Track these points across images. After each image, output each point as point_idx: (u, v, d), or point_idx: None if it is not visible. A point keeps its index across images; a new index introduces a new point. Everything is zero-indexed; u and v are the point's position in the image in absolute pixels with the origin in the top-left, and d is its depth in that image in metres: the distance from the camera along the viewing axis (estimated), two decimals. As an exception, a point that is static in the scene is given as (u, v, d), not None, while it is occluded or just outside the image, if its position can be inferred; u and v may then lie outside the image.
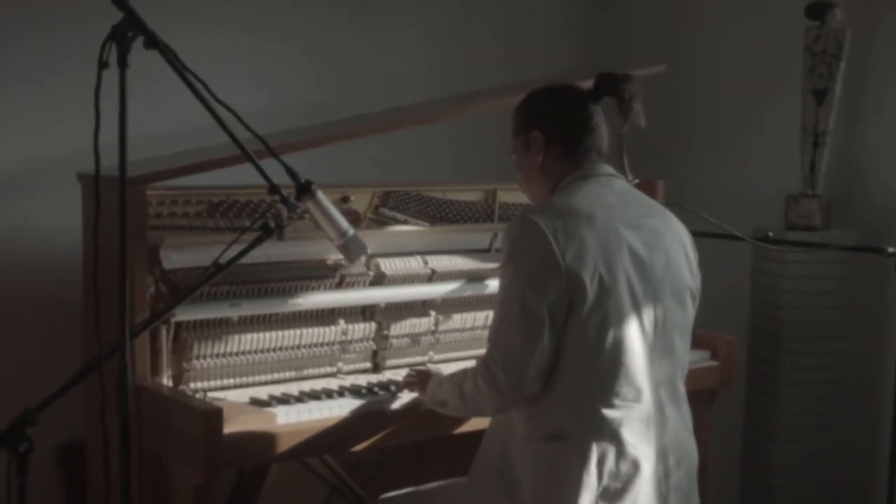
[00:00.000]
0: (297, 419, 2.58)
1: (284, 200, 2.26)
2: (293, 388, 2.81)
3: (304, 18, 4.04)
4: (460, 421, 2.73)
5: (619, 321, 2.26)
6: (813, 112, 4.02)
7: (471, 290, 3.23)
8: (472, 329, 3.25)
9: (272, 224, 2.21)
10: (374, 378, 2.96)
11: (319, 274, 2.94)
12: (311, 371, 2.97)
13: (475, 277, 3.23)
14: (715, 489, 3.73)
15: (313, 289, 2.92)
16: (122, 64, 1.99)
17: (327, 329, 2.97)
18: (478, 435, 2.56)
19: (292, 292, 2.89)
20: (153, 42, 2.03)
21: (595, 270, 2.23)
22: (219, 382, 2.81)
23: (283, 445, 2.53)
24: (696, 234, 2.73)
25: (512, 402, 2.31)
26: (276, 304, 2.87)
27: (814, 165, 4.04)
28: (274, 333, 2.87)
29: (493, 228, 3.33)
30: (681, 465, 2.41)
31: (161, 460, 2.61)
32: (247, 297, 2.82)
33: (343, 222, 2.55)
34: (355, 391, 2.79)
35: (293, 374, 2.93)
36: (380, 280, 3.06)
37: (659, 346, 2.35)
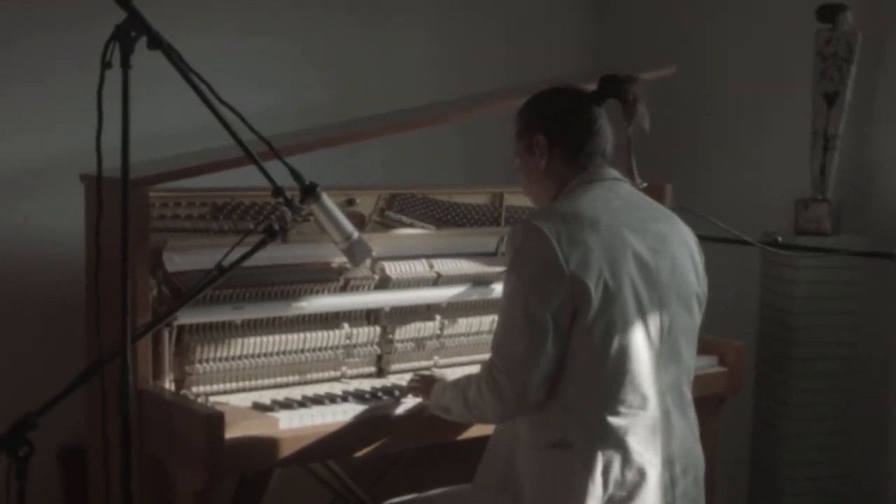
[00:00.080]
0: (299, 424, 2.56)
1: (288, 203, 2.24)
2: (296, 393, 2.79)
3: (308, 19, 4.03)
4: (464, 427, 2.71)
5: (625, 327, 2.23)
6: (823, 116, 4.00)
7: (477, 294, 3.20)
8: (477, 333, 3.23)
9: (276, 227, 2.20)
10: (378, 383, 2.94)
11: (324, 277, 2.92)
12: (314, 375, 2.94)
13: (481, 281, 3.20)
14: (723, 496, 3.71)
15: (317, 292, 2.90)
16: (125, 64, 1.97)
17: (331, 333, 2.95)
18: (482, 441, 2.53)
19: (296, 296, 2.86)
20: (157, 42, 2.03)
21: (600, 276, 2.21)
22: (221, 386, 2.79)
23: (286, 451, 2.51)
24: (705, 239, 2.71)
25: (516, 410, 2.29)
26: (280, 307, 2.84)
27: (824, 169, 4.01)
28: (277, 337, 2.85)
29: (500, 232, 3.30)
30: (687, 473, 2.38)
31: (162, 465, 2.59)
32: (250, 301, 2.80)
33: (348, 225, 2.53)
34: (359, 396, 2.77)
35: (297, 378, 2.91)
36: (385, 283, 3.04)
37: (665, 352, 2.32)
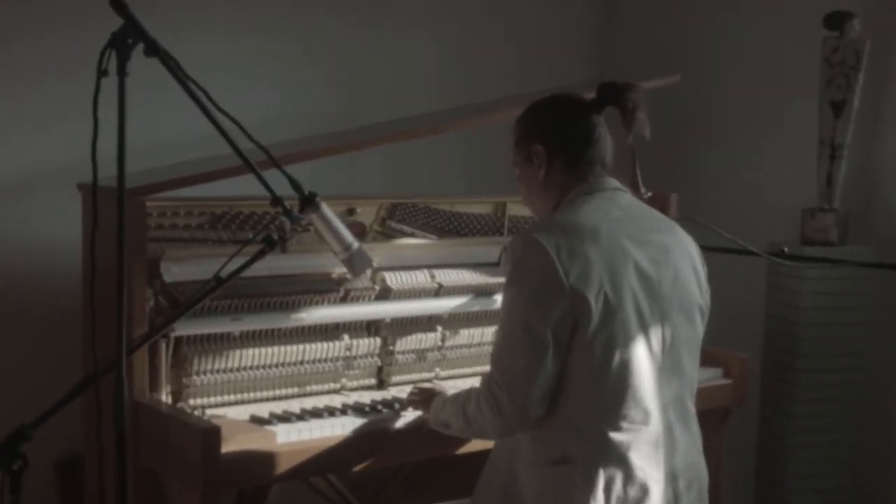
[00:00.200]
0: (297, 438, 2.53)
1: (287, 213, 2.21)
2: (295, 406, 2.76)
3: (308, 20, 4.01)
4: (465, 441, 2.68)
5: (626, 341, 2.20)
6: (830, 124, 3.97)
7: (479, 305, 3.17)
8: (479, 345, 3.19)
9: (275, 237, 2.17)
10: (377, 395, 2.91)
11: (324, 288, 2.89)
12: (314, 387, 2.91)
13: (483, 292, 3.17)
14: (727, 509, 3.67)
15: (317, 303, 2.87)
16: (122, 72, 1.95)
17: (331, 344, 2.91)
18: (483, 455, 2.51)
19: (295, 306, 2.83)
20: (154, 50, 2.00)
21: (600, 289, 2.17)
22: (219, 399, 2.75)
23: (283, 465, 2.48)
24: (710, 249, 2.68)
25: (516, 426, 2.26)
26: (279, 318, 2.81)
27: (831, 179, 3.98)
28: (276, 349, 2.82)
29: (503, 242, 3.27)
30: (691, 488, 2.35)
31: (158, 479, 2.57)
32: (249, 312, 2.76)
33: (347, 235, 2.50)
34: (358, 409, 2.74)
35: (296, 390, 2.88)
36: (385, 294, 3.00)
37: (667, 365, 2.29)
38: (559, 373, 2.20)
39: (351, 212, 3.11)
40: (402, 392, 2.86)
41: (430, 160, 4.15)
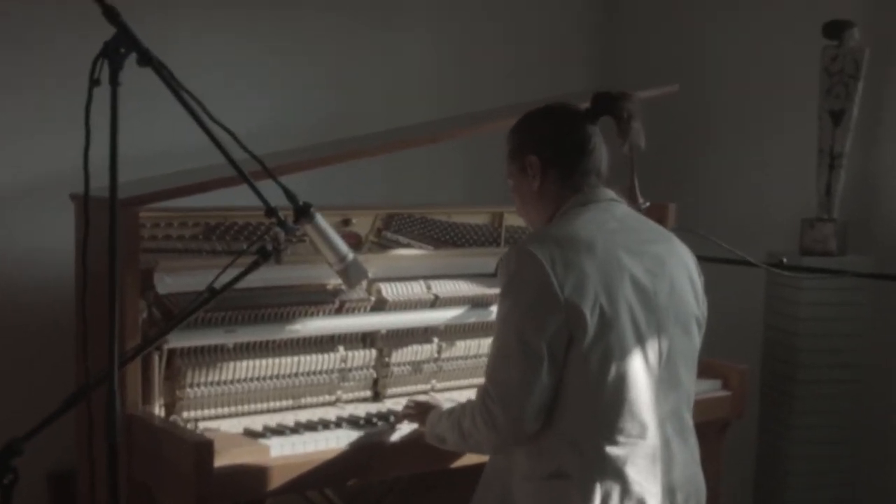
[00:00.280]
0: (291, 451, 2.51)
1: (281, 224, 2.19)
2: (289, 418, 2.74)
3: (308, 29, 4.01)
4: (460, 454, 2.65)
5: (622, 354, 2.17)
6: (829, 133, 3.95)
7: (475, 317, 3.14)
8: (476, 357, 3.16)
9: (269, 247, 2.15)
10: (373, 408, 2.88)
11: (319, 299, 2.86)
12: (309, 400, 2.88)
13: (480, 303, 3.15)
14: (726, 521, 3.64)
15: (312, 314, 2.85)
16: (114, 82, 1.92)
17: (326, 356, 2.89)
18: (479, 469, 2.49)
19: (290, 318, 2.81)
20: (147, 59, 1.97)
21: (596, 302, 2.15)
22: (213, 411, 2.73)
23: (277, 479, 2.45)
24: (708, 260, 2.66)
25: (511, 441, 2.23)
26: (273, 330, 2.78)
27: (830, 188, 3.96)
28: (270, 361, 2.79)
29: (500, 252, 3.21)
30: (689, 502, 2.34)
31: (151, 492, 2.54)
32: (243, 324, 2.74)
33: (342, 247, 2.49)
34: (353, 422, 2.72)
35: (290, 402, 2.85)
36: (381, 306, 2.98)
37: (664, 378, 2.27)
38: (554, 386, 2.17)
39: (346, 222, 3.09)
40: (398, 404, 2.84)
41: (430, 169, 4.13)
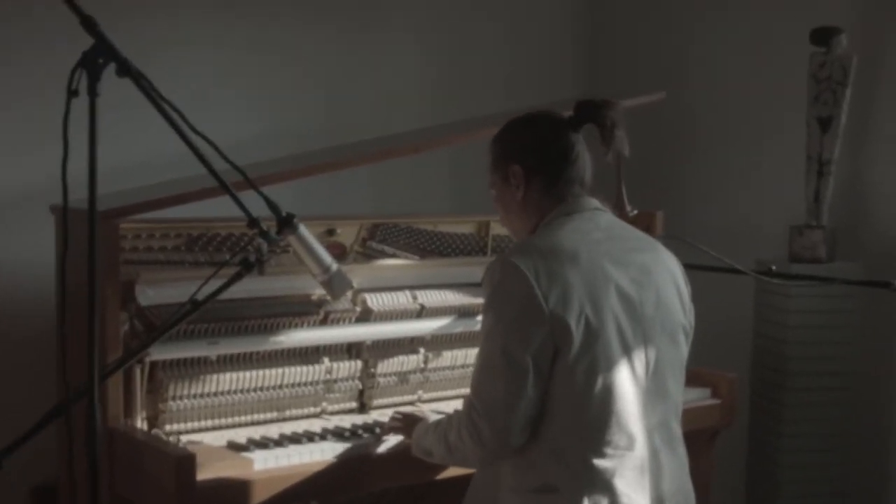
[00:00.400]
0: (275, 465, 2.48)
1: (264, 234, 2.16)
2: (274, 431, 2.71)
3: (292, 37, 3.98)
4: (447, 466, 2.61)
5: (608, 366, 2.14)
6: (817, 140, 3.94)
7: (462, 327, 3.12)
8: (463, 367, 3.14)
9: (252, 258, 2.12)
10: (359, 419, 2.86)
11: (303, 310, 2.84)
12: (294, 412, 2.86)
13: (466, 313, 3.13)
14: (717, 531, 3.62)
15: (296, 326, 2.82)
16: (92, 93, 1.90)
17: (311, 368, 2.87)
18: (466, 481, 2.48)
19: (274, 329, 2.78)
20: (125, 69, 1.95)
21: (581, 313, 2.12)
22: (196, 424, 2.71)
23: (261, 493, 2.43)
24: (696, 268, 2.63)
25: (497, 454, 2.20)
26: (257, 342, 2.76)
27: (818, 195, 3.95)
28: (254, 373, 2.77)
29: (486, 262, 3.18)
30: (679, 513, 2.30)
31: (133, 507, 2.51)
32: (226, 335, 2.72)
33: (326, 257, 2.46)
34: (338, 434, 2.69)
35: (275, 415, 2.83)
36: (366, 316, 2.96)
37: (651, 388, 2.24)
38: (540, 399, 2.14)
39: (331, 232, 3.06)
40: (384, 416, 2.82)
41: (416, 177, 4.11)
